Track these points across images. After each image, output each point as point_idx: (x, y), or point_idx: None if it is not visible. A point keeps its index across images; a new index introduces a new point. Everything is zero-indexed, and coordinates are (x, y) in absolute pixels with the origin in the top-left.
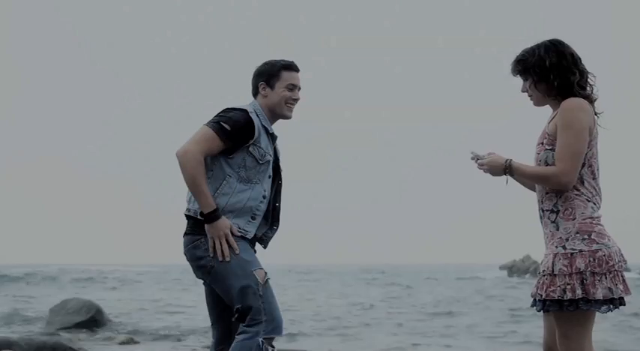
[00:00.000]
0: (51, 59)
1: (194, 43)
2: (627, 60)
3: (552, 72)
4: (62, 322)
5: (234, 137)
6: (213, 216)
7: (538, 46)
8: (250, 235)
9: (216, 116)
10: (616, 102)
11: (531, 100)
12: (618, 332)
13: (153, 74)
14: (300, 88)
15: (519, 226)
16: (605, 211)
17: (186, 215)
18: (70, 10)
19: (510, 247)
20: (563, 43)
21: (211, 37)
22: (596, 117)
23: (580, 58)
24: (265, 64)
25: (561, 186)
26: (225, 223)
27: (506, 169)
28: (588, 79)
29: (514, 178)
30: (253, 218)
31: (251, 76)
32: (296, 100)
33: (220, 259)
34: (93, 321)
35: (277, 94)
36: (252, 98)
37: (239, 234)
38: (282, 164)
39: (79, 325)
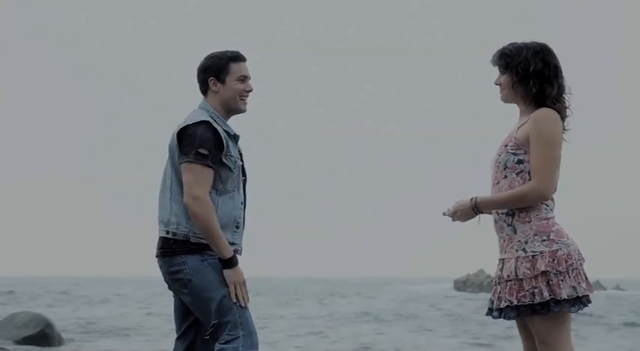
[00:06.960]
0: (37, 74)
1: (194, 54)
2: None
3: (533, 78)
4: (9, 336)
5: (214, 157)
6: (233, 261)
7: (527, 46)
8: (240, 250)
9: (186, 145)
10: (624, 103)
11: (501, 93)
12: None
13: (151, 79)
14: (250, 78)
15: (473, 241)
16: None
17: (164, 237)
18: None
19: (464, 261)
20: (552, 51)
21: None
22: (563, 130)
23: (562, 72)
24: (211, 57)
25: (542, 199)
26: (241, 270)
27: (474, 207)
28: (564, 95)
29: (487, 213)
30: (237, 227)
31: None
32: (249, 91)
33: (242, 305)
34: (42, 335)
35: (230, 88)
36: (202, 96)
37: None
38: (245, 161)
39: (27, 340)
